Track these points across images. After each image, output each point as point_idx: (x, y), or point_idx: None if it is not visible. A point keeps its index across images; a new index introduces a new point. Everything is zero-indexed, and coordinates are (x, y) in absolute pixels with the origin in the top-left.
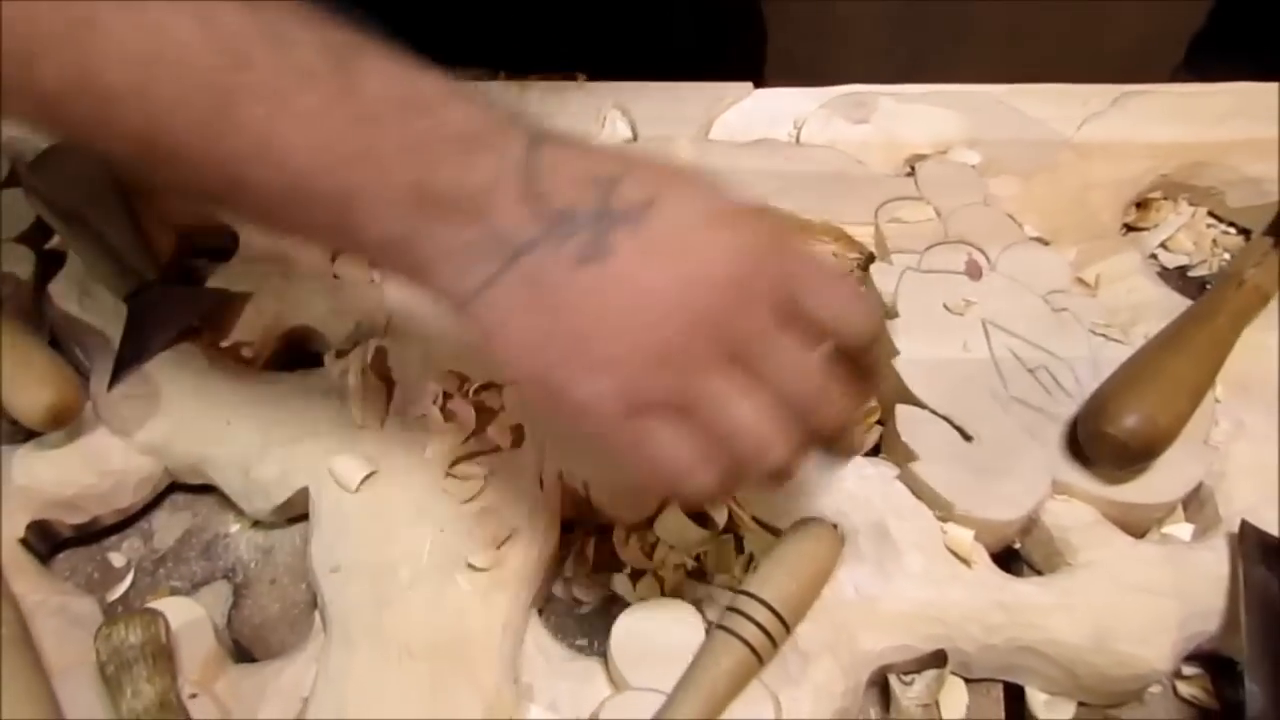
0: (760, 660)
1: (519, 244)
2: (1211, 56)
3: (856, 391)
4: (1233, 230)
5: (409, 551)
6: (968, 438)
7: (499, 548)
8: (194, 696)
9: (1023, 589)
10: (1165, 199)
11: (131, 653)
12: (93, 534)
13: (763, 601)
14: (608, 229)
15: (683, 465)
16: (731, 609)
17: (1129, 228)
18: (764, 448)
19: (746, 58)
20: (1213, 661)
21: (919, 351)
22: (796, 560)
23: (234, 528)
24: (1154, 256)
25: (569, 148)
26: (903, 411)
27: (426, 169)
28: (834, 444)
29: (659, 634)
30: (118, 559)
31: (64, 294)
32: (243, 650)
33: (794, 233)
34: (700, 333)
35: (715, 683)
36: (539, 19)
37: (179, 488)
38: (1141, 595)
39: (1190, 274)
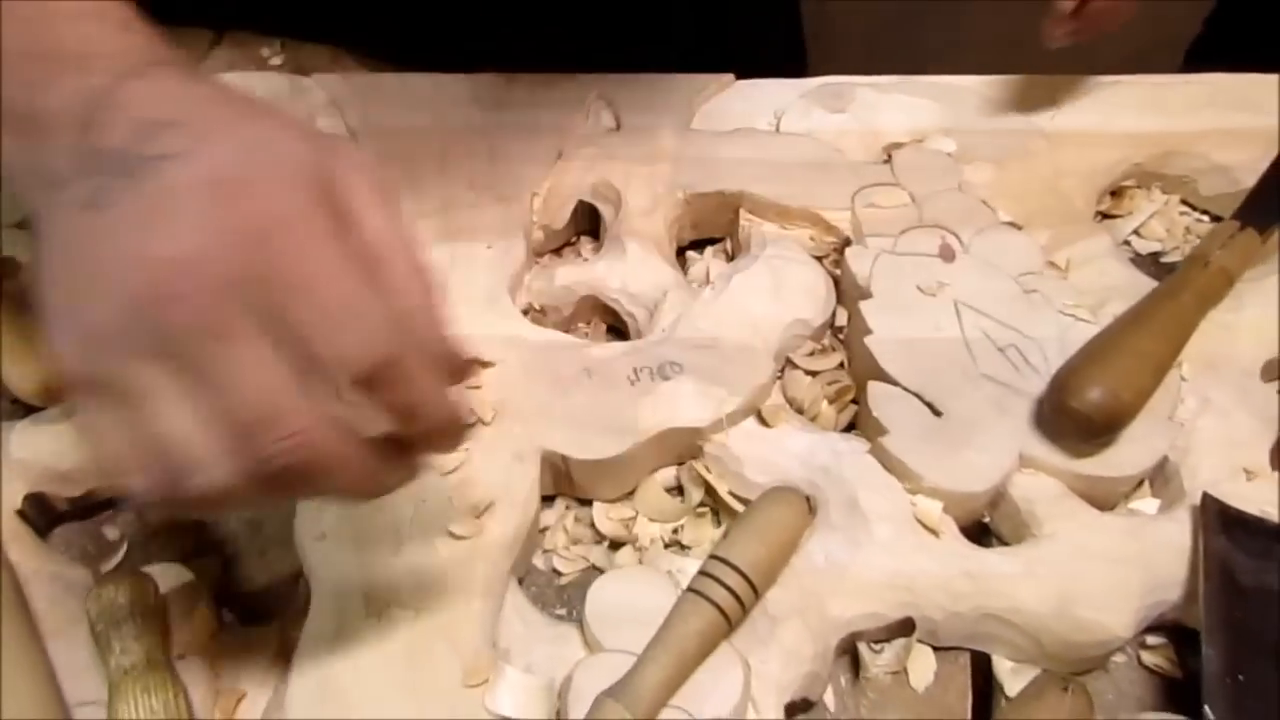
0: (729, 622)
1: (49, 177)
2: (1209, 64)
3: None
4: (1205, 218)
5: (392, 520)
6: (938, 413)
7: (478, 517)
8: (181, 657)
9: (989, 558)
10: (1139, 187)
11: (120, 612)
12: (88, 509)
13: (731, 565)
14: (122, 177)
15: (112, 458)
16: (701, 573)
17: (1104, 215)
18: (191, 462)
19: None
20: (1176, 632)
21: (891, 330)
22: (765, 526)
23: None
24: (1127, 243)
25: (168, 83)
26: (874, 388)
27: (16, 82)
28: (304, 478)
29: (633, 598)
30: (112, 533)
31: None
32: (233, 620)
33: (326, 213)
34: (138, 317)
35: (684, 643)
36: (538, 16)
37: None
38: (1104, 564)
39: (1163, 260)
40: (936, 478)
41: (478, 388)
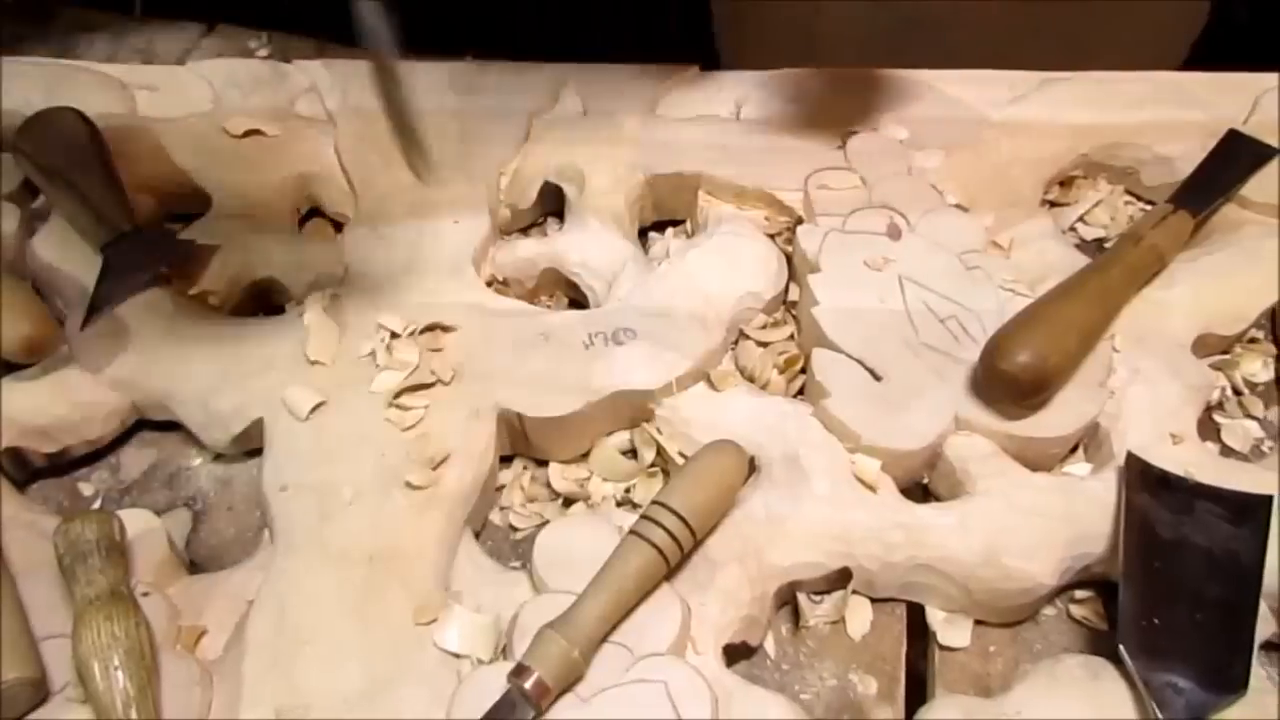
0: (667, 562)
1: None
2: None
3: None
4: (1150, 207)
5: (351, 472)
6: (878, 378)
7: (435, 469)
8: (146, 595)
9: (922, 512)
10: (1085, 178)
11: (86, 546)
12: (64, 465)
13: (669, 508)
14: None
15: None
16: (641, 516)
17: (1052, 204)
18: None
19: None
20: (1103, 587)
21: (837, 302)
22: (703, 473)
23: (195, 461)
24: (1074, 229)
25: None
26: (819, 354)
27: None
28: None
29: (578, 543)
30: (86, 489)
31: (47, 246)
32: (199, 569)
33: None
34: None
35: (622, 581)
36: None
37: (146, 425)
38: (1031, 518)
39: (1106, 245)
40: (874, 436)
41: (439, 350)
